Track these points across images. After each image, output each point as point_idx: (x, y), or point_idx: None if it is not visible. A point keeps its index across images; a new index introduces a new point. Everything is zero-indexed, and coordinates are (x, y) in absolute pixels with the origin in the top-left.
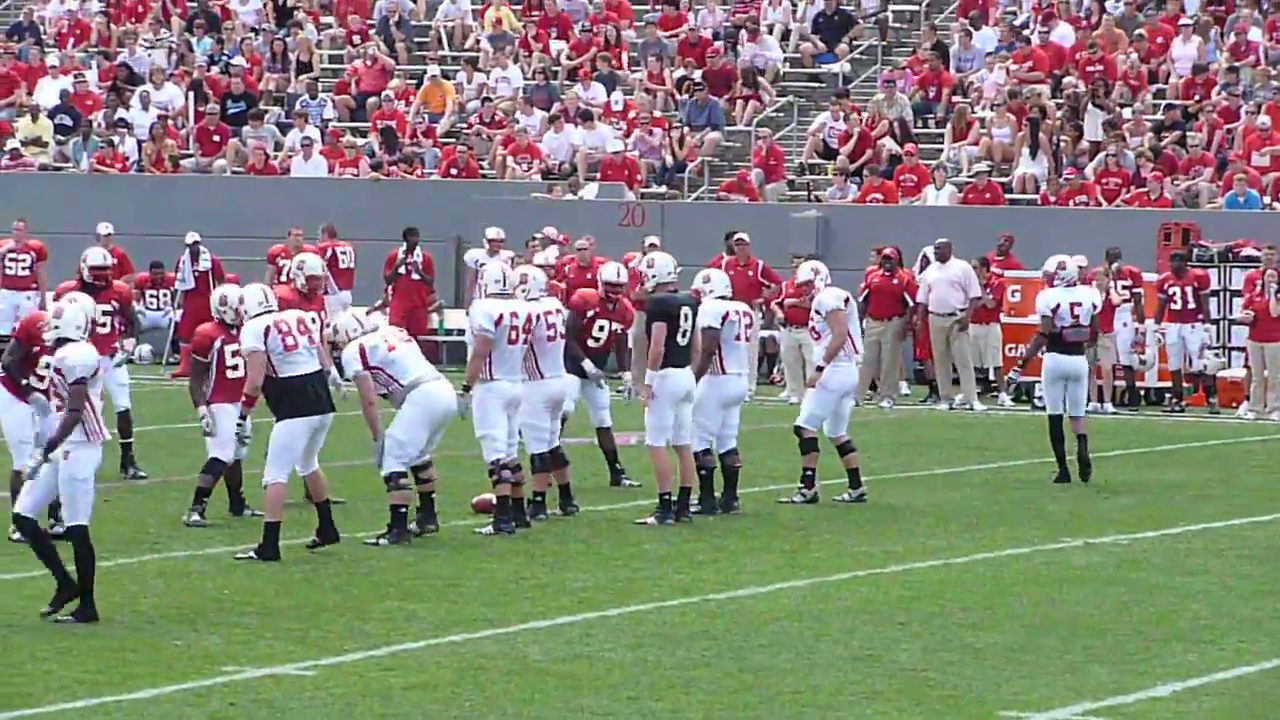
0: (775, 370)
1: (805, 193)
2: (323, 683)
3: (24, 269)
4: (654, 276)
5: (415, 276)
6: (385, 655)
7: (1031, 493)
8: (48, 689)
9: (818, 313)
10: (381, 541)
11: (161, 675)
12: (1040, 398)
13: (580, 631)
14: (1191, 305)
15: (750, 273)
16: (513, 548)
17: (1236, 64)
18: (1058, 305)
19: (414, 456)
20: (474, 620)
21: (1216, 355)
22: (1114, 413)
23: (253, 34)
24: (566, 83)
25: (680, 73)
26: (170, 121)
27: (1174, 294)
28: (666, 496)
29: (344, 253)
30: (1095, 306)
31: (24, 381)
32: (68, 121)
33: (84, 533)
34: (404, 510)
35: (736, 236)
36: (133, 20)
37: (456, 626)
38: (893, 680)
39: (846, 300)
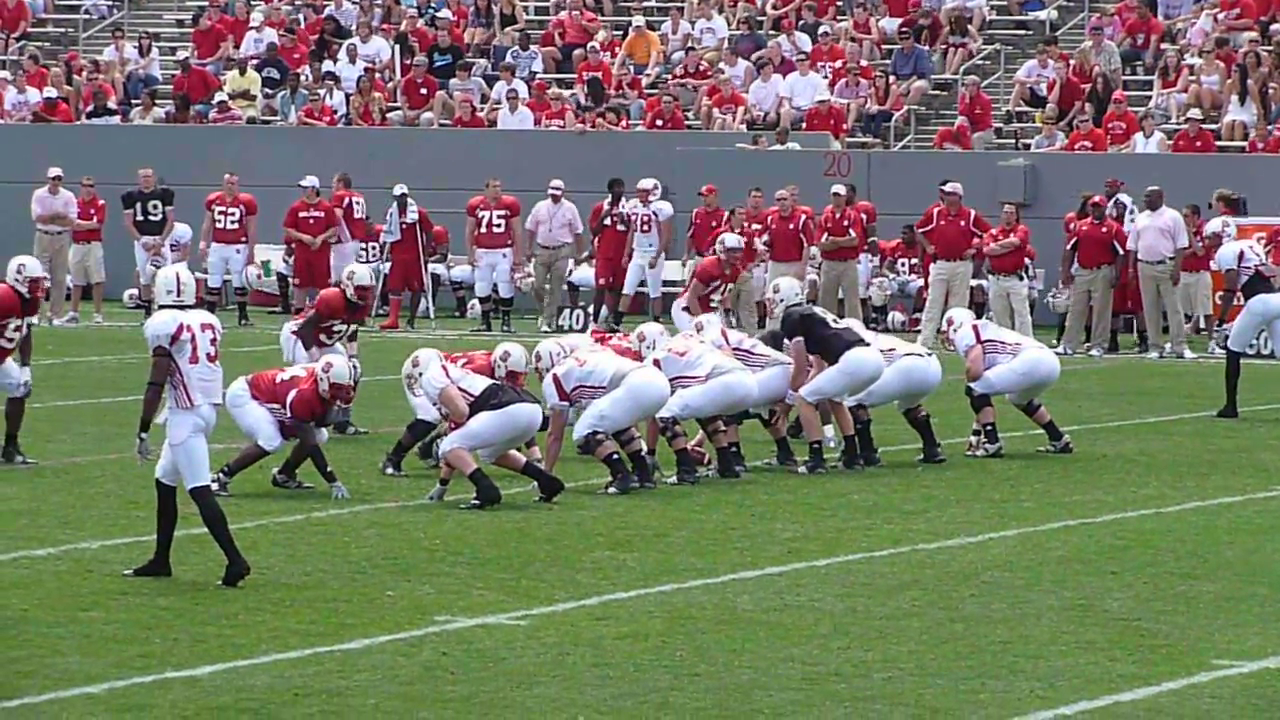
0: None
1: (1013, 141)
2: (534, 632)
3: (233, 222)
4: (780, 300)
5: (620, 227)
6: (596, 605)
7: (1243, 440)
8: (261, 639)
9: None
10: (611, 490)
11: (374, 625)
12: (1227, 336)
13: (789, 581)
14: None
15: (962, 222)
16: (721, 498)
17: None
18: (1241, 251)
19: (610, 430)
20: (683, 570)
21: None
22: None
23: None
24: (771, 32)
25: (886, 21)
26: (377, 74)
27: None
28: (817, 445)
29: (358, 203)
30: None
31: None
32: (275, 75)
33: (202, 492)
34: (616, 456)
35: (950, 187)
36: None
37: (666, 576)
38: (1105, 630)
39: None
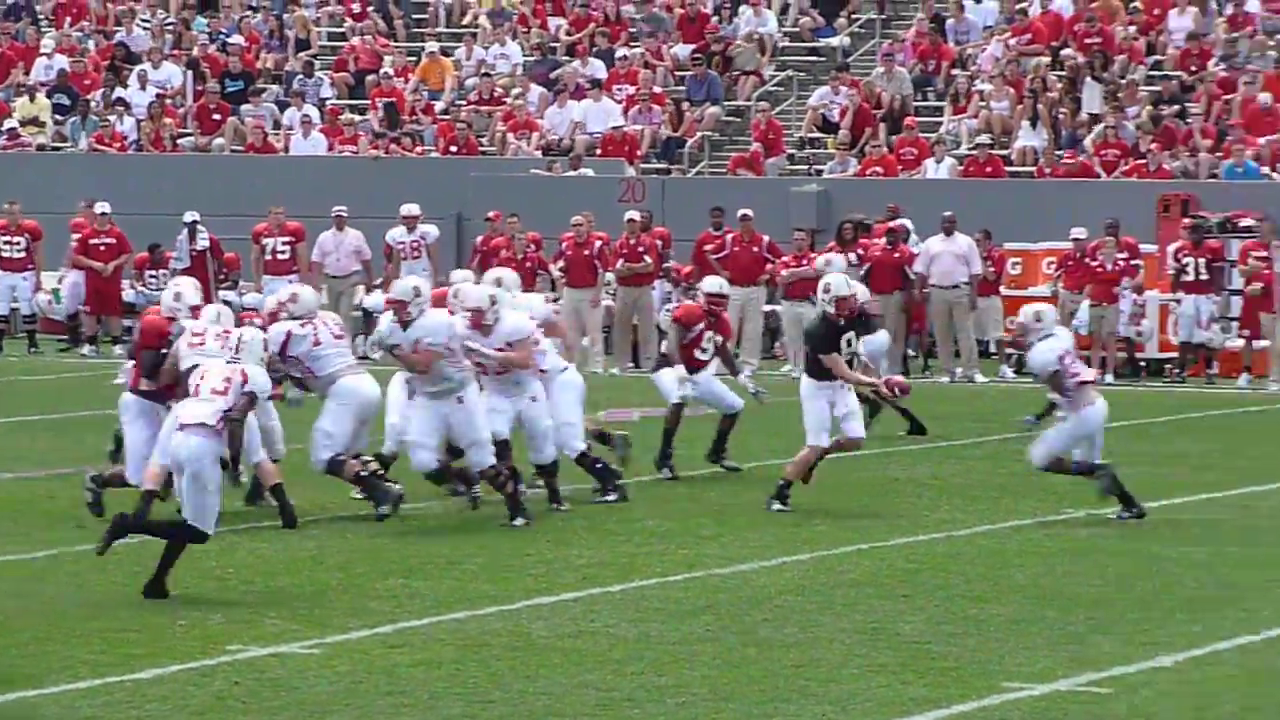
0: (777, 344)
1: (805, 167)
2: (327, 661)
3: (19, 251)
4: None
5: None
6: (390, 633)
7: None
8: (50, 669)
9: None
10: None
11: (165, 655)
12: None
13: (584, 607)
14: (1205, 276)
15: (755, 249)
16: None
17: (1234, 34)
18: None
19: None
20: (478, 597)
21: (1224, 329)
22: (1112, 383)
23: (250, 12)
24: (565, 58)
25: (679, 47)
26: (168, 100)
27: (1187, 264)
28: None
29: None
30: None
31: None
32: (65, 101)
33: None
34: (365, 474)
35: (741, 213)
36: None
37: (460, 603)
38: (897, 653)
39: None
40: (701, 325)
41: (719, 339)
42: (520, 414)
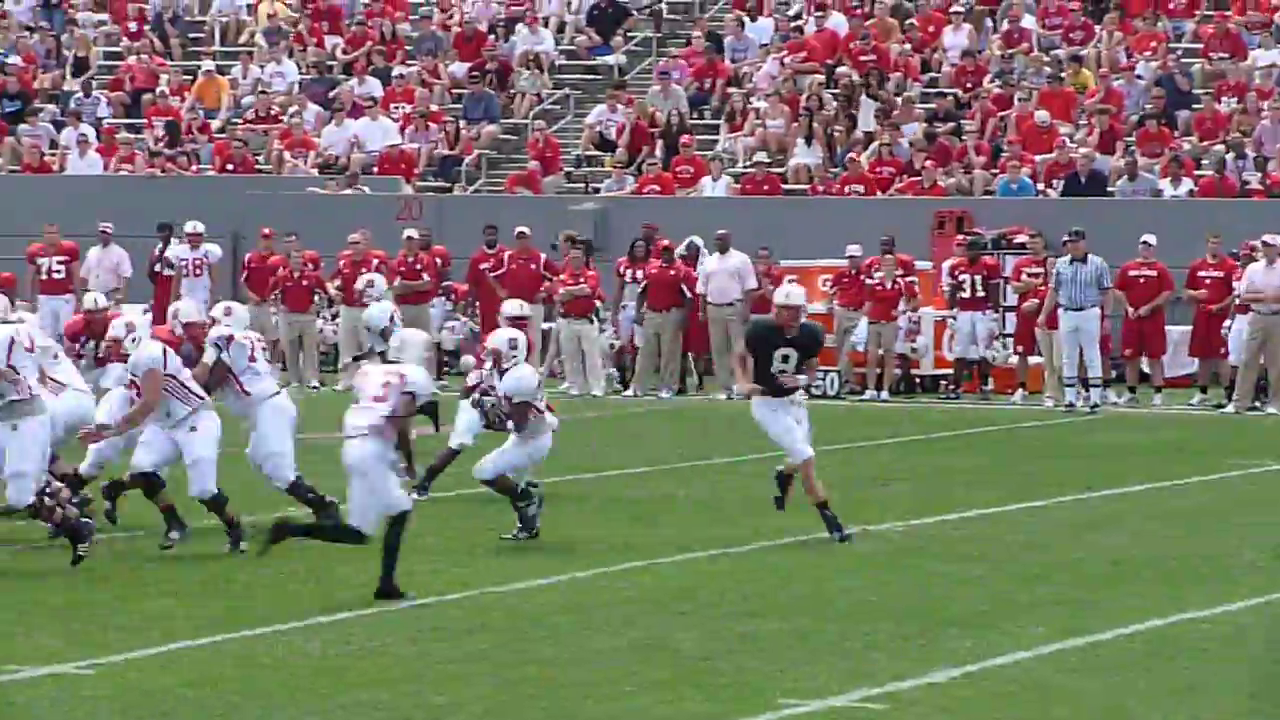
0: (555, 361)
1: (583, 185)
2: (97, 681)
3: None
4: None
5: (168, 271)
6: (159, 653)
7: None
8: None
9: None
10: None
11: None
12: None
13: (363, 627)
14: (981, 293)
15: (532, 265)
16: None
17: (1010, 51)
18: None
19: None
20: (253, 618)
21: (1003, 345)
22: (889, 400)
23: (27, 32)
24: (342, 76)
25: (455, 66)
26: None
27: (964, 281)
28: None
29: None
30: None
31: None
32: None
33: None
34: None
35: (517, 230)
36: None
37: (236, 623)
38: (674, 669)
39: None
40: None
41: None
42: (179, 445)
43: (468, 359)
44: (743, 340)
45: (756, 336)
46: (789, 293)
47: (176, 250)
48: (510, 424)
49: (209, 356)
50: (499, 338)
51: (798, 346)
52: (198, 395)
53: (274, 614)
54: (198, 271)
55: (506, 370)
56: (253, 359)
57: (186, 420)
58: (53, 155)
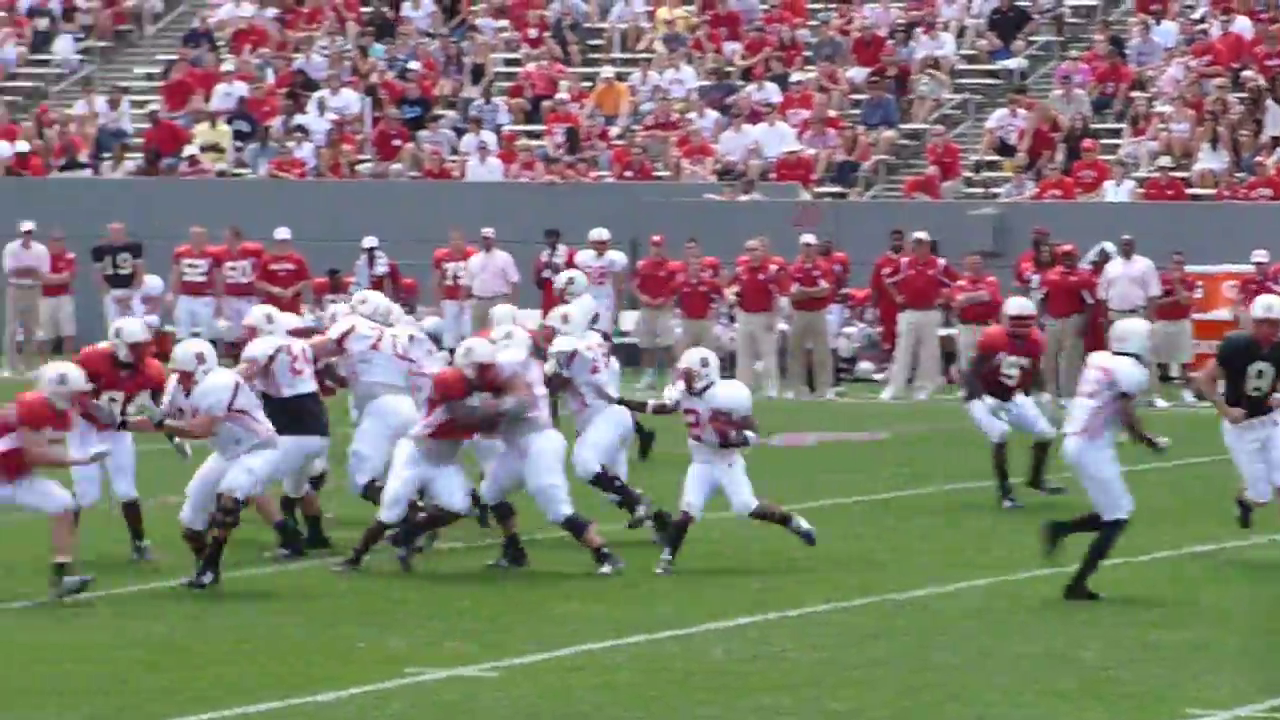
0: (952, 368)
1: (981, 190)
2: (504, 684)
3: (201, 275)
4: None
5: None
6: (567, 656)
7: (1215, 489)
8: (231, 691)
9: None
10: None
11: (344, 677)
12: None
13: (760, 632)
14: None
15: (930, 272)
16: (691, 550)
17: None
18: None
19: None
20: (654, 622)
21: None
22: None
23: (427, 38)
24: (740, 83)
25: (854, 71)
26: (346, 127)
27: None
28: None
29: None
30: None
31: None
32: (245, 127)
33: None
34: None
35: (915, 236)
36: (308, 26)
37: (637, 628)
38: (1077, 679)
39: None
40: (1004, 351)
41: (1024, 362)
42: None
43: (864, 365)
44: (1214, 358)
45: (1232, 351)
46: (1270, 304)
47: (582, 257)
48: (737, 435)
49: (549, 367)
50: (691, 356)
51: (1275, 361)
52: (265, 428)
53: (675, 618)
54: (600, 280)
55: (703, 389)
56: (595, 370)
57: (254, 447)
58: (453, 161)
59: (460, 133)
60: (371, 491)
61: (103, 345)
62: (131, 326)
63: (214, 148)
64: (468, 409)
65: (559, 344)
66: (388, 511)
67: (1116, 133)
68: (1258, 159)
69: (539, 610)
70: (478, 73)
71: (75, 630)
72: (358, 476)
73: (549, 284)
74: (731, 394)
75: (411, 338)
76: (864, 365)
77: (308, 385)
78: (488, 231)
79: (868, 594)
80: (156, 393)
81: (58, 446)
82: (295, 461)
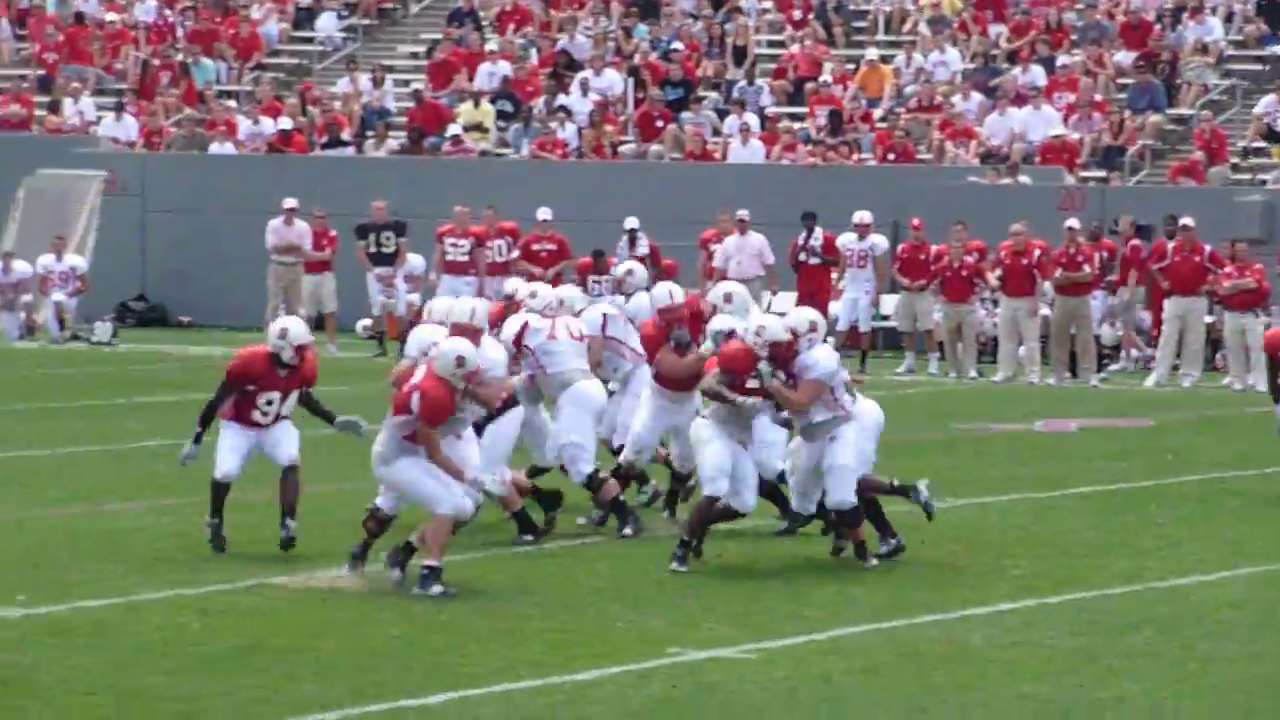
0: (1219, 356)
1: (1249, 176)
2: (764, 666)
3: (463, 254)
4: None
5: (814, 260)
6: (825, 639)
7: None
8: (492, 669)
9: None
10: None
11: (605, 656)
12: None
13: (1020, 618)
14: None
15: (1196, 258)
16: (949, 534)
17: None
18: None
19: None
20: (913, 606)
21: None
22: None
23: (691, 20)
24: (1005, 65)
25: (1121, 54)
26: (609, 108)
27: None
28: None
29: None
30: None
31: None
32: (508, 107)
33: None
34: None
35: (1182, 222)
36: (572, 6)
37: (896, 612)
38: None
39: None
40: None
41: None
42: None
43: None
44: None
45: None
46: None
47: (843, 240)
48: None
49: (706, 348)
50: (799, 317)
51: None
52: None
53: (934, 603)
54: (861, 263)
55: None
56: (552, 337)
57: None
58: (715, 143)
59: (722, 114)
60: (595, 481)
61: (261, 347)
62: (298, 328)
63: (477, 127)
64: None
65: (717, 322)
66: (712, 485)
67: None
68: None
69: (798, 593)
70: (740, 54)
71: (338, 608)
72: (581, 466)
73: (805, 267)
74: (814, 355)
75: (605, 315)
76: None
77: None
78: (742, 213)
79: (1130, 582)
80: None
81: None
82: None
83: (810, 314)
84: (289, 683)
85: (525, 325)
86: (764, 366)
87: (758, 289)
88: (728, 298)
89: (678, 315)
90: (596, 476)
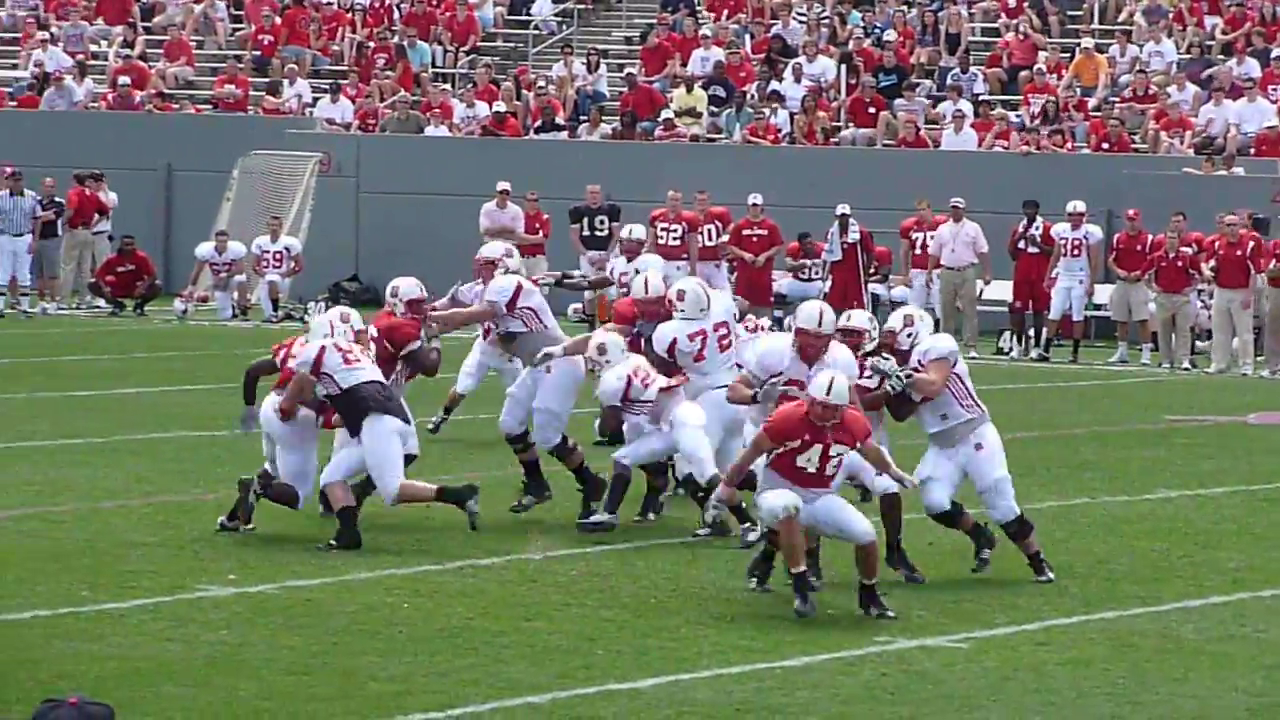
0: None
1: None
2: (974, 655)
3: (675, 239)
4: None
5: (1033, 250)
6: (1037, 630)
7: None
8: (702, 654)
9: None
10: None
11: (814, 643)
12: None
13: (1234, 611)
14: None
15: None
16: (1161, 526)
17: None
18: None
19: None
20: (1126, 597)
21: None
22: None
23: (905, 7)
24: (1220, 57)
25: None
26: (822, 94)
27: None
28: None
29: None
30: None
31: None
32: (721, 93)
33: None
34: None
35: None
36: None
37: (1108, 603)
38: None
39: None
40: None
41: None
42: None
43: None
44: None
45: None
46: None
47: (1058, 229)
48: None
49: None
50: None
51: None
52: None
53: (1147, 595)
54: (1075, 252)
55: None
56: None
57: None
58: (928, 130)
59: (936, 101)
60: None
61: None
62: (408, 284)
63: (689, 112)
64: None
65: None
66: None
67: None
68: None
69: (1009, 584)
70: (954, 42)
71: (547, 590)
72: (550, 435)
73: (1023, 254)
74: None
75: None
76: None
77: None
78: (957, 201)
79: None
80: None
81: None
82: None
83: (910, 309)
84: (498, 665)
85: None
86: (880, 361)
87: (971, 276)
88: (680, 295)
89: (640, 311)
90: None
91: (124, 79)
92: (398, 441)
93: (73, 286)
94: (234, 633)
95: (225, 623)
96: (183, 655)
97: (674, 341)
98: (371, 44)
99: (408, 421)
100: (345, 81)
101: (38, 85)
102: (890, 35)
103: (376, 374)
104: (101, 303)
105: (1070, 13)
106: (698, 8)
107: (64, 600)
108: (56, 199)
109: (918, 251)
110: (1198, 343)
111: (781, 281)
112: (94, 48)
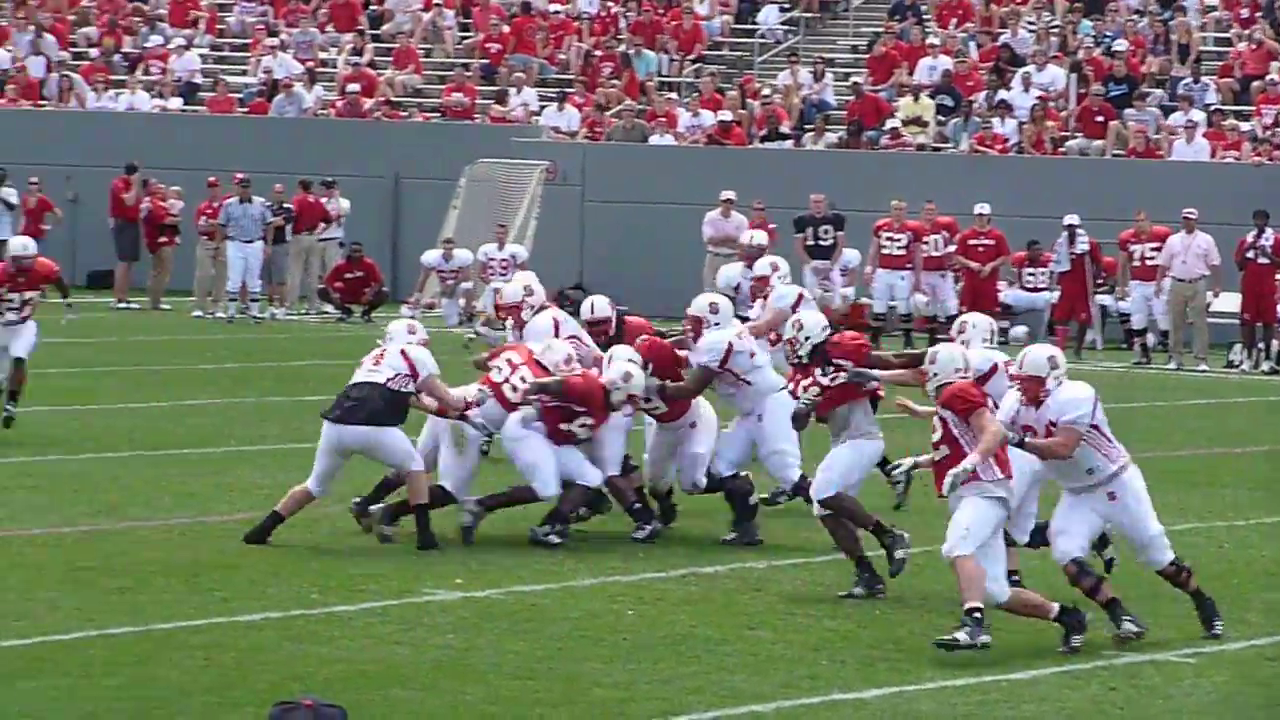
0: None
1: None
2: (1203, 670)
3: (900, 249)
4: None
5: (1263, 260)
6: (1267, 645)
7: None
8: (927, 666)
9: None
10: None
11: (1039, 657)
12: None
13: None
14: None
15: None
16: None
17: None
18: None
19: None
20: None
21: None
22: None
23: (1136, 16)
24: None
25: None
26: (1051, 103)
27: None
28: None
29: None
30: None
31: None
32: (948, 102)
33: None
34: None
35: None
36: (1015, 1)
37: None
38: None
39: None
40: None
41: None
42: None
43: None
44: None
45: None
46: None
47: (1266, 238)
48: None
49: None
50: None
51: None
52: None
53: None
54: None
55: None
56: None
57: None
58: (1158, 140)
59: (1167, 111)
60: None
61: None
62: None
63: (916, 121)
64: None
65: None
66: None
67: None
68: None
69: (1238, 598)
70: (1185, 51)
71: (770, 599)
72: (790, 473)
73: (1251, 265)
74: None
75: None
76: None
77: None
78: (1189, 212)
79: None
80: None
81: None
82: None
83: (1048, 350)
84: (721, 673)
85: (730, 347)
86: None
87: (1202, 288)
88: (713, 308)
89: (601, 329)
90: (805, 480)
91: (353, 86)
92: None
93: (300, 292)
94: (460, 637)
95: (452, 627)
96: (410, 659)
97: (730, 347)
98: (598, 52)
99: None
100: (571, 90)
101: (267, 92)
102: (1121, 45)
103: None
104: (330, 308)
105: None
106: (925, 16)
107: (295, 602)
108: (285, 205)
109: (1136, 263)
110: None
111: (1007, 292)
112: (323, 55)
